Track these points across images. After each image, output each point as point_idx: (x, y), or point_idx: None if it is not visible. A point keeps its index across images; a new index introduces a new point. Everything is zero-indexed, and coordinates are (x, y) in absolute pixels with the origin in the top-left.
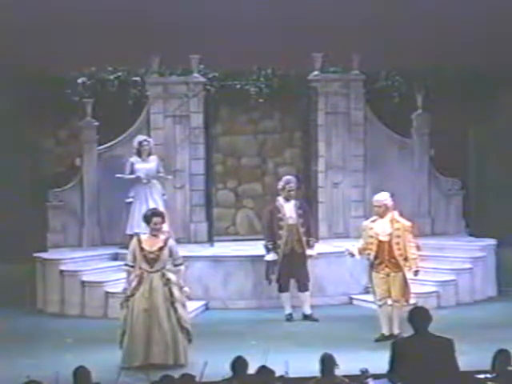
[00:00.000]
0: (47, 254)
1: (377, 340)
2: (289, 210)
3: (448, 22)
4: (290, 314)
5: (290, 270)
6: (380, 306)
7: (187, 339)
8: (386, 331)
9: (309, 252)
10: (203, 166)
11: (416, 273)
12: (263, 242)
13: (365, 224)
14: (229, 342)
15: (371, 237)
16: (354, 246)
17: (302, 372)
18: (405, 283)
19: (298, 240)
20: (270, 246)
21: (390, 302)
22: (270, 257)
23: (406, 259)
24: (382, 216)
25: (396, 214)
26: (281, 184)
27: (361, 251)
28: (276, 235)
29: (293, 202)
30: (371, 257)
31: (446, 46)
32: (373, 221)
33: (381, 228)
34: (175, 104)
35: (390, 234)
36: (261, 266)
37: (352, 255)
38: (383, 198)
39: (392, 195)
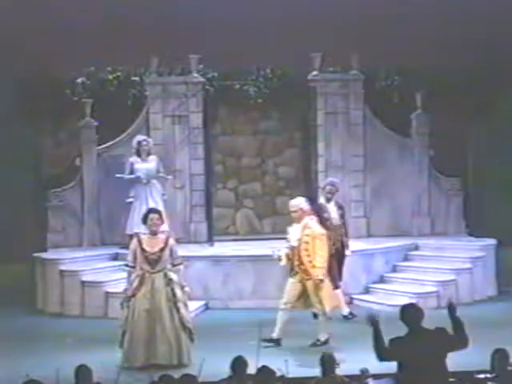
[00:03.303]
0: (47, 253)
1: (264, 340)
2: (332, 210)
3: (448, 22)
4: (351, 313)
5: (336, 268)
6: (282, 309)
7: (190, 339)
8: (276, 334)
9: (346, 252)
10: (203, 166)
11: (320, 282)
12: None
13: (287, 229)
14: (228, 341)
15: (287, 241)
16: (279, 250)
17: (302, 372)
18: (320, 289)
19: (340, 240)
20: None
21: (288, 306)
22: None
23: (315, 267)
24: (298, 221)
25: (312, 220)
26: (323, 184)
27: (285, 256)
28: None
29: (333, 203)
30: (288, 262)
31: (445, 46)
32: (291, 226)
33: (293, 233)
34: (174, 104)
35: (299, 240)
36: (261, 266)
37: (280, 260)
38: (298, 202)
39: (309, 200)
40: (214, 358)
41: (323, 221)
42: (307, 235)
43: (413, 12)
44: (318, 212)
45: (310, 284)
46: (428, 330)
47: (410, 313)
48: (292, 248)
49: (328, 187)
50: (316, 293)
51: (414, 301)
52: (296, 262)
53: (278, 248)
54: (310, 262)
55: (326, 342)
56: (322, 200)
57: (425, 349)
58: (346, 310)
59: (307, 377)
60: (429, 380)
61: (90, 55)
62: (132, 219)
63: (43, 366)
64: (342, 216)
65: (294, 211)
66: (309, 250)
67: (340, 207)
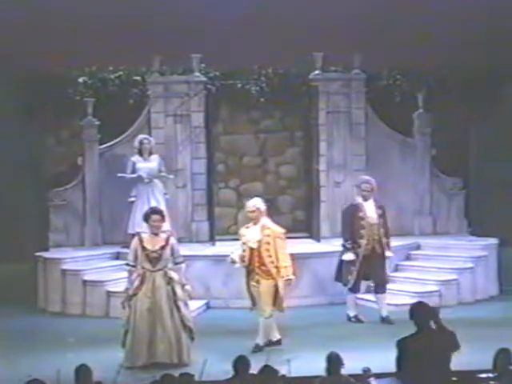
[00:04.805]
0: (49, 253)
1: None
2: (369, 209)
3: (448, 21)
4: (356, 316)
5: (368, 270)
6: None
7: (190, 338)
8: (273, 337)
9: (387, 253)
10: (204, 166)
11: (289, 281)
12: (341, 242)
13: (240, 231)
14: (230, 341)
15: (244, 244)
16: (233, 253)
17: (303, 371)
18: (275, 291)
19: (378, 240)
20: (348, 246)
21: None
22: (349, 256)
23: (278, 267)
24: (255, 222)
25: (268, 220)
26: (357, 182)
27: (240, 259)
28: (356, 234)
29: (371, 202)
30: (246, 264)
31: (446, 46)
32: (247, 227)
33: (251, 235)
34: (176, 103)
35: (260, 241)
36: None
37: (234, 262)
38: (255, 202)
39: (267, 201)
40: (215, 358)
41: (356, 220)
42: (267, 235)
43: (414, 11)
44: (352, 213)
45: (265, 284)
46: (436, 330)
47: (419, 312)
48: (251, 250)
49: (363, 185)
50: (269, 294)
51: (415, 300)
52: (256, 264)
53: (231, 251)
54: (272, 262)
55: (262, 348)
56: (359, 199)
57: (432, 348)
58: (352, 312)
59: (309, 377)
60: (432, 379)
61: (92, 54)
62: (134, 218)
63: (44, 365)
64: (382, 216)
65: (252, 211)
66: (270, 250)
67: (380, 207)
